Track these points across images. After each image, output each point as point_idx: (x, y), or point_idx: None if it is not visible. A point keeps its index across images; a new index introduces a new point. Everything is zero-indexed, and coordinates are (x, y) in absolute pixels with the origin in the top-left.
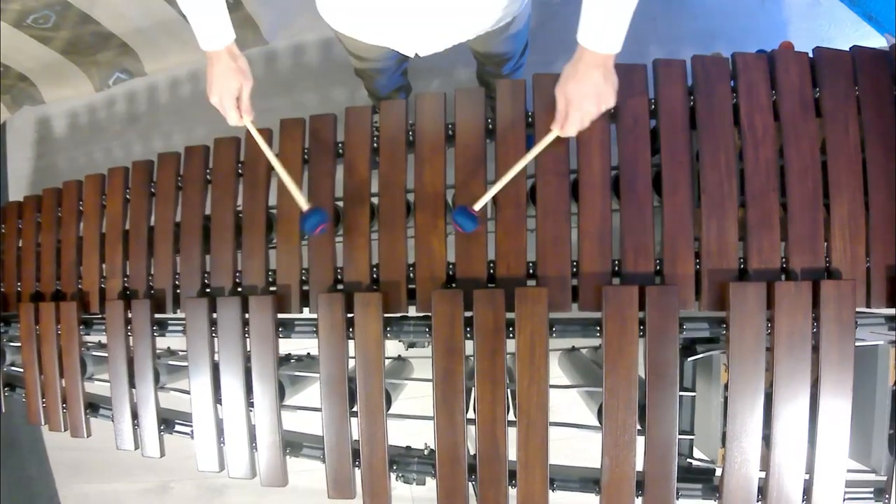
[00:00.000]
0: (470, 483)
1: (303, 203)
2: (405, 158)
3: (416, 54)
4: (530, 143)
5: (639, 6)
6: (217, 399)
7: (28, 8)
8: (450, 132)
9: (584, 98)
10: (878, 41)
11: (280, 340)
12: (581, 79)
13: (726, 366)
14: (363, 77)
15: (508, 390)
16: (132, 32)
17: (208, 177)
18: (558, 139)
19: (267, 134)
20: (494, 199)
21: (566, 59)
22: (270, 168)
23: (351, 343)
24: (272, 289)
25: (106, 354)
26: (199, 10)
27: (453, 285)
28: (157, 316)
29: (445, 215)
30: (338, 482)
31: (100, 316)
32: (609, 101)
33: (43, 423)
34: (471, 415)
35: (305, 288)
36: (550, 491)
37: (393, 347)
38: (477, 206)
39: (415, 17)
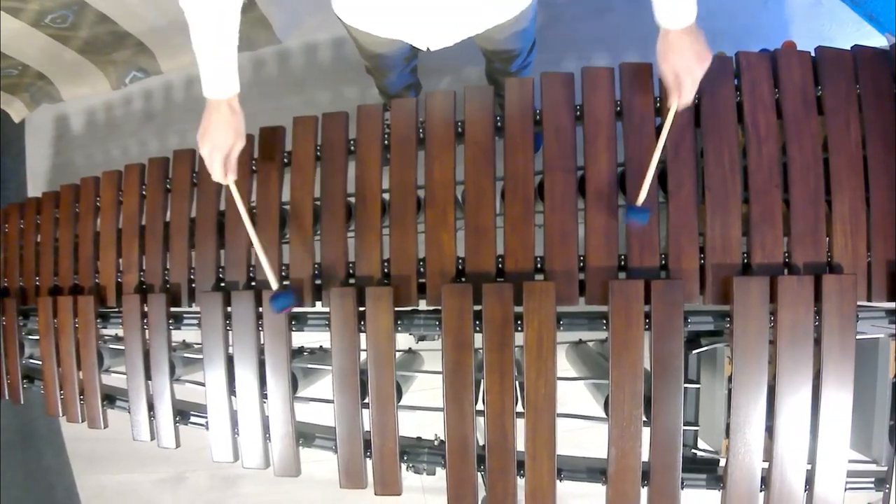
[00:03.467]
0: (479, 473)
1: (273, 282)
2: (415, 155)
3: (428, 48)
4: (538, 142)
5: (644, 7)
6: (231, 391)
7: (46, 8)
8: (459, 130)
9: (690, 64)
10: (878, 41)
11: (293, 334)
12: (678, 49)
13: (730, 358)
14: (374, 75)
15: (517, 382)
16: (148, 32)
17: None
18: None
19: (275, 138)
20: (502, 194)
21: (573, 58)
22: (287, 164)
23: (362, 336)
24: (285, 283)
25: (122, 347)
26: (212, 55)
27: (463, 280)
28: (172, 310)
29: (455, 211)
30: (349, 472)
31: (116, 309)
32: (709, 57)
33: (61, 414)
34: (480, 406)
35: (318, 282)
36: (558, 481)
37: (403, 340)
38: (639, 201)
39: (427, 14)
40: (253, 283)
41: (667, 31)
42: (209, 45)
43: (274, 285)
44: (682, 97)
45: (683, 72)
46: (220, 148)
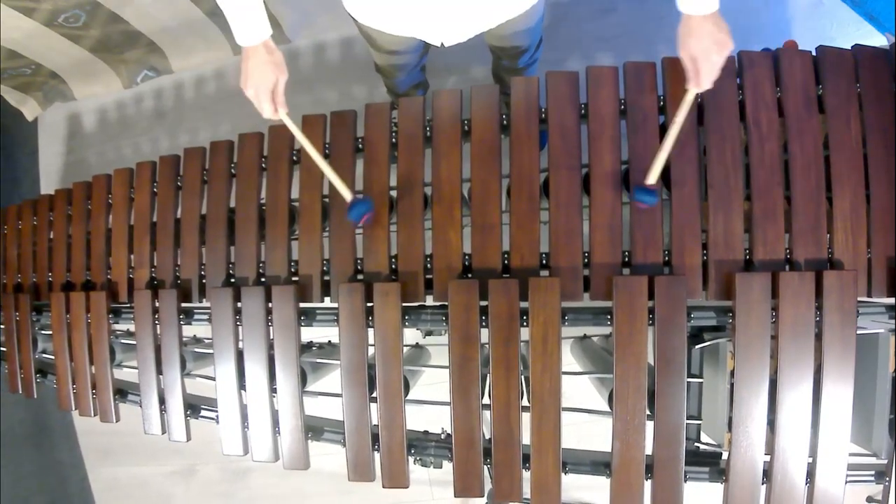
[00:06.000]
0: (485, 466)
1: (347, 194)
2: (423, 153)
3: (442, 44)
4: (544, 139)
5: (647, 7)
6: (241, 385)
7: (59, 7)
8: (466, 128)
9: (708, 51)
10: (879, 40)
11: (302, 329)
12: (697, 34)
13: (732, 353)
14: (383, 73)
15: (522, 377)
16: (160, 31)
17: (233, 171)
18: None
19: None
20: (508, 192)
21: (577, 57)
22: (296, 161)
23: (370, 331)
24: (294, 279)
25: (134, 342)
26: (238, 6)
27: (469, 276)
28: (183, 305)
29: (462, 208)
30: (358, 465)
31: (128, 305)
32: (729, 45)
33: (73, 408)
34: (486, 400)
35: (326, 278)
36: (563, 474)
37: (411, 335)
38: (651, 180)
39: (442, 9)
40: (263, 279)
41: (688, 17)
42: None
43: (348, 196)
44: (699, 83)
45: (701, 57)
46: (265, 86)
